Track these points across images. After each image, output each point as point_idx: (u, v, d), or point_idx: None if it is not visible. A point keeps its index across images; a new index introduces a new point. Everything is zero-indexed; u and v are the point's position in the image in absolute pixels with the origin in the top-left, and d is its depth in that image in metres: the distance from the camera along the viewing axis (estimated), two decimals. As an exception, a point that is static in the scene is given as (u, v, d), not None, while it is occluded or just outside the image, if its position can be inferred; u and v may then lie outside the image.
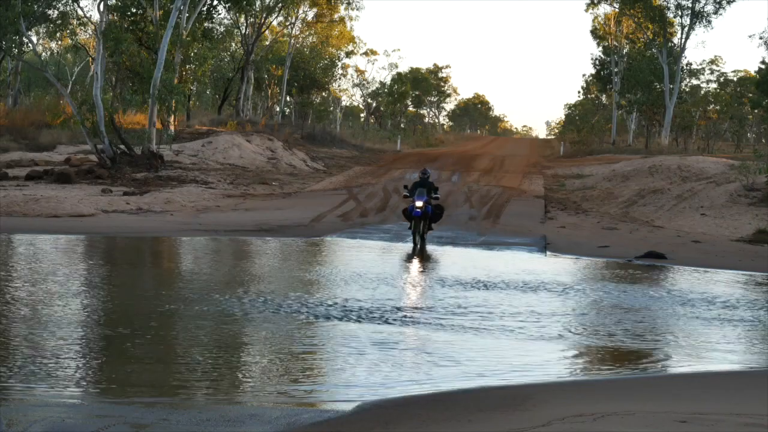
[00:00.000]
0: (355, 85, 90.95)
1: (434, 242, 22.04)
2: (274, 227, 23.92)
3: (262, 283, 15.18)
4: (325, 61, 75.06)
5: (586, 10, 69.05)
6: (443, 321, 12.21)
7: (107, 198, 28.21)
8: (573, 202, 34.43)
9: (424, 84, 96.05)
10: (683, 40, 61.00)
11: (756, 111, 63.04)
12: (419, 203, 21.20)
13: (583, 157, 54.42)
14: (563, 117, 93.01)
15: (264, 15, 60.47)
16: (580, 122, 74.46)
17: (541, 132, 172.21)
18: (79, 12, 48.66)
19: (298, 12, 65.50)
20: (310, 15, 67.82)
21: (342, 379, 9.19)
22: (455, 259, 19.94)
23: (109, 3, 39.03)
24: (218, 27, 55.06)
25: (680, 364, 10.63)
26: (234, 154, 43.01)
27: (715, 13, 59.73)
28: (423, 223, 21.32)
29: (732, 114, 69.66)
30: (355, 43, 79.36)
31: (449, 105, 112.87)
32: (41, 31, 51.17)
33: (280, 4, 60.37)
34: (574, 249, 22.26)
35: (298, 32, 69.09)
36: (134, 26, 40.12)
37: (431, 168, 30.69)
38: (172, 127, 43.06)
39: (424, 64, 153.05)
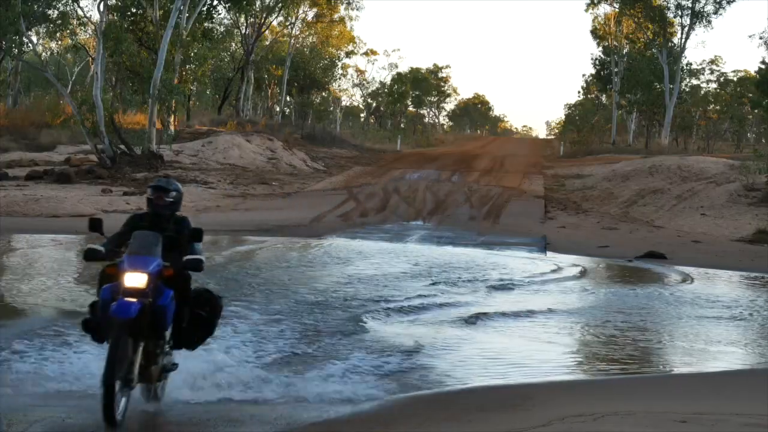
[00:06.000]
0: (355, 85, 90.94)
1: (433, 242, 21.89)
2: (274, 227, 23.92)
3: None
4: (325, 61, 75.02)
5: (586, 10, 69.06)
6: (444, 320, 12.20)
7: (107, 198, 28.21)
8: (573, 202, 34.40)
9: (424, 84, 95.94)
10: (683, 40, 61.00)
11: (756, 111, 62.96)
12: (133, 280, 7.19)
13: (583, 157, 54.39)
14: (563, 117, 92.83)
15: (264, 15, 60.45)
16: (580, 122, 74.33)
17: (541, 132, 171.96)
18: (79, 12, 48.65)
19: (298, 12, 65.50)
20: (310, 15, 67.89)
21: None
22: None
23: (109, 3, 39.02)
24: (218, 27, 54.96)
25: (680, 364, 10.63)
26: (234, 154, 42.99)
27: (715, 13, 59.71)
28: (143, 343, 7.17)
29: (732, 114, 69.59)
30: (355, 43, 79.38)
31: (449, 105, 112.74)
32: (41, 31, 51.00)
33: (280, 4, 60.33)
34: (574, 249, 22.27)
35: (298, 32, 69.12)
36: (134, 26, 40.10)
37: (432, 168, 30.23)
38: (172, 127, 43.02)
39: (424, 64, 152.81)
